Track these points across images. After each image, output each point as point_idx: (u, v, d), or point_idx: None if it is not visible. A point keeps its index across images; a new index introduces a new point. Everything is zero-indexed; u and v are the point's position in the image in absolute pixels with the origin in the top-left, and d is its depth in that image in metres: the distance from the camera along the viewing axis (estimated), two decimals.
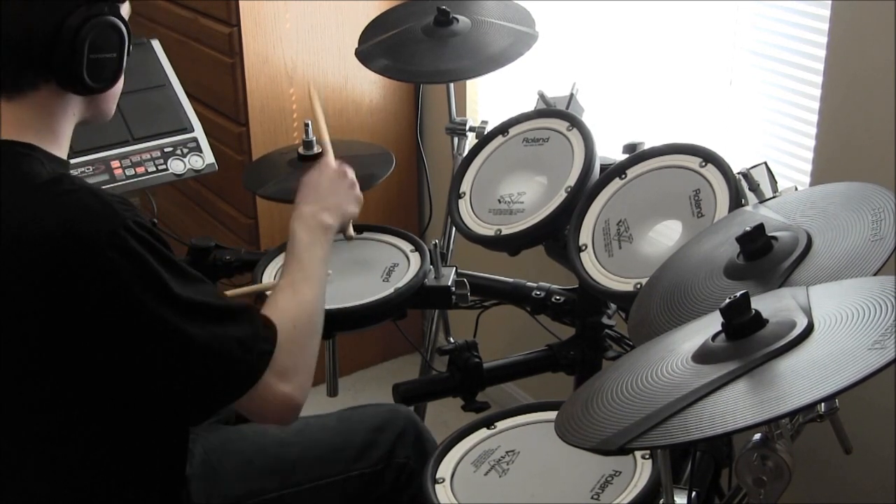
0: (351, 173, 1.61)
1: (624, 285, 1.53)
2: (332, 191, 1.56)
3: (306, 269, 1.43)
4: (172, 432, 1.31)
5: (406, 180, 2.86)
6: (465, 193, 1.81)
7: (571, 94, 1.88)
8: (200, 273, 1.27)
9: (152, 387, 1.21)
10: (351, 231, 1.62)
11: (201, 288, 1.23)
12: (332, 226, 1.52)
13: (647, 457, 1.31)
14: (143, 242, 1.16)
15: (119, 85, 1.32)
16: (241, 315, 1.26)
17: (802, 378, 0.91)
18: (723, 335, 1.03)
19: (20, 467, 1.24)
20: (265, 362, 1.25)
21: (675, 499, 1.16)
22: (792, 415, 1.01)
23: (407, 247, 1.79)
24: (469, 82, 2.60)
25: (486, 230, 1.74)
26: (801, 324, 0.98)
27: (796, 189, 1.47)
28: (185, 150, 1.95)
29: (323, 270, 1.45)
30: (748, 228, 1.22)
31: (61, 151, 1.27)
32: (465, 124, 2.18)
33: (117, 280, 1.14)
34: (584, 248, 1.62)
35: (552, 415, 1.42)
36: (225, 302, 1.25)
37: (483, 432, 1.44)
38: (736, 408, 0.91)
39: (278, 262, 1.78)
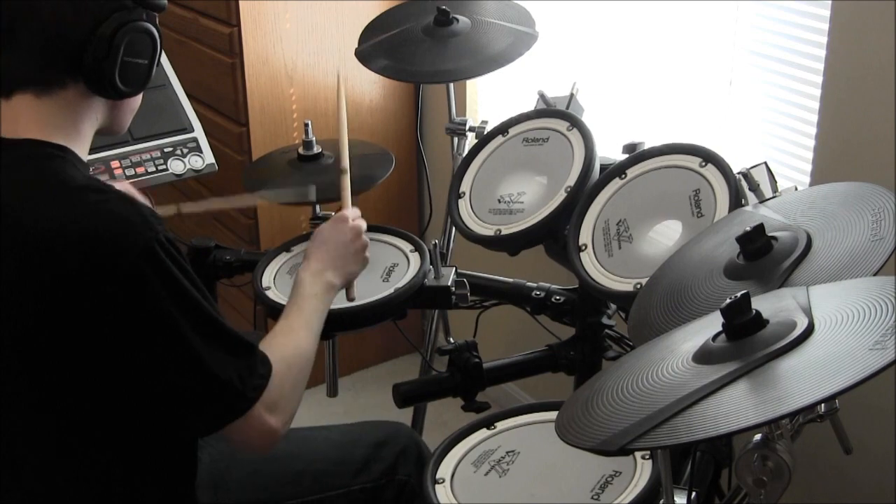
0: (365, 236, 1.62)
1: (624, 285, 1.53)
2: (344, 253, 1.57)
3: (306, 318, 1.46)
4: (176, 443, 1.33)
5: (406, 180, 2.86)
6: (464, 193, 1.81)
7: (571, 94, 1.88)
8: (200, 276, 1.28)
9: (153, 398, 1.23)
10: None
11: (217, 314, 1.26)
12: (337, 286, 1.55)
13: (647, 457, 1.31)
14: (172, 258, 1.18)
15: (138, 98, 1.34)
16: (247, 349, 1.29)
17: (803, 379, 0.91)
18: (723, 335, 1.03)
19: (27, 470, 1.24)
20: (257, 395, 1.28)
21: (675, 499, 1.16)
22: (793, 415, 1.01)
23: (407, 247, 1.79)
24: (469, 82, 2.60)
25: (486, 230, 1.74)
26: (802, 324, 0.98)
27: (796, 189, 1.47)
28: (185, 150, 1.95)
29: (320, 324, 1.49)
30: (748, 228, 1.22)
31: (84, 155, 1.28)
32: (465, 124, 2.18)
33: (145, 290, 1.16)
34: (583, 248, 1.62)
35: (552, 415, 1.42)
36: (235, 332, 1.27)
37: (483, 432, 1.44)
38: (737, 408, 0.91)
39: (278, 262, 1.78)
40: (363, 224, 1.63)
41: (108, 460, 1.26)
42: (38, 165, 1.21)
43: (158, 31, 1.28)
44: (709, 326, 1.08)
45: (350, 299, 1.63)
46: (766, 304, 1.04)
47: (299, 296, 1.49)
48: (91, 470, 1.25)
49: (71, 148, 1.24)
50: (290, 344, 1.40)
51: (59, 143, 1.23)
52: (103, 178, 1.86)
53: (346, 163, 1.72)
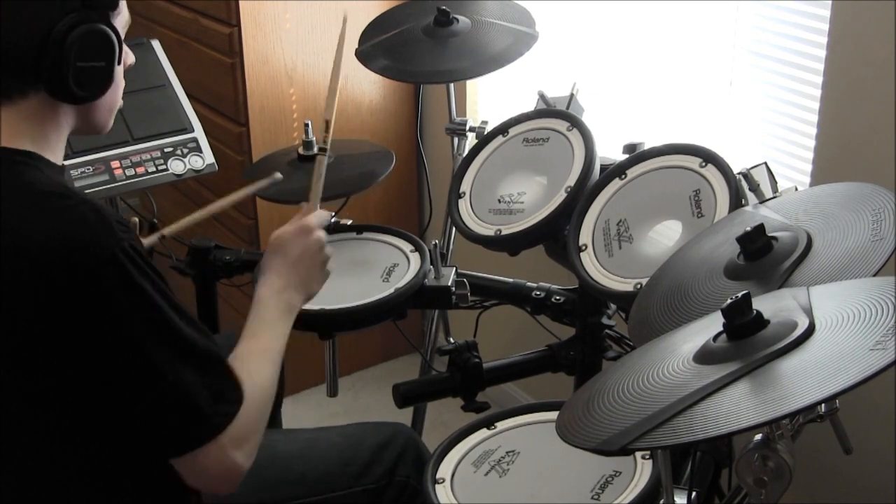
0: (328, 247, 1.48)
1: (624, 285, 1.53)
2: (305, 266, 1.44)
3: (267, 347, 1.35)
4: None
5: (406, 180, 2.86)
6: (465, 193, 1.81)
7: (571, 94, 1.88)
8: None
9: (118, 412, 1.18)
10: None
11: (189, 327, 1.19)
12: (297, 307, 1.43)
13: (648, 457, 1.31)
14: (138, 267, 1.14)
15: (114, 96, 1.29)
16: (219, 366, 1.22)
17: (804, 379, 0.91)
18: (724, 336, 1.03)
19: (10, 478, 1.22)
20: (225, 423, 1.20)
21: (675, 499, 1.16)
22: (793, 415, 1.01)
23: (407, 247, 1.79)
24: (469, 82, 2.60)
25: (486, 230, 1.74)
26: (803, 324, 0.98)
27: (796, 189, 1.47)
28: (185, 151, 1.95)
29: (282, 348, 1.37)
30: (748, 229, 1.22)
31: (56, 159, 1.25)
32: (465, 124, 2.18)
33: (105, 300, 1.12)
34: (584, 248, 1.62)
35: (552, 415, 1.42)
36: (207, 347, 1.20)
37: (483, 432, 1.44)
38: (737, 408, 0.91)
39: None
40: (324, 233, 1.48)
41: (86, 468, 1.22)
42: (5, 173, 1.17)
43: (114, 29, 1.23)
44: (709, 327, 1.08)
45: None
46: (767, 305, 1.04)
47: (261, 320, 1.38)
48: (73, 478, 1.22)
49: (40, 153, 1.21)
50: (264, 370, 1.31)
51: (26, 150, 1.19)
52: (102, 178, 1.86)
53: (331, 114, 1.58)
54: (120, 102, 1.32)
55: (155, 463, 1.23)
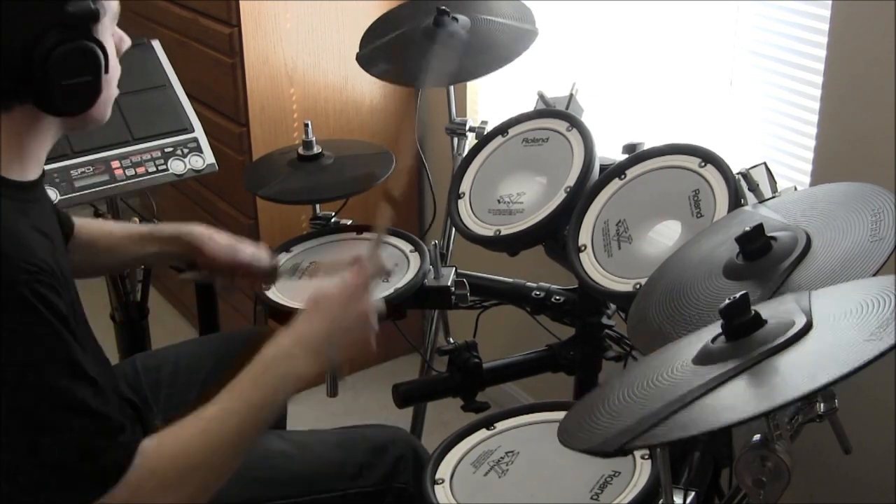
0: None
1: (623, 285, 1.53)
2: (342, 337, 1.31)
3: (253, 406, 1.24)
4: None
5: (406, 180, 2.86)
6: (464, 194, 1.81)
7: (571, 95, 1.88)
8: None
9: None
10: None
11: (83, 382, 1.12)
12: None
13: (647, 457, 1.31)
14: (31, 310, 1.09)
15: (108, 91, 1.27)
16: (105, 424, 1.14)
17: (798, 369, 0.92)
18: (722, 336, 1.03)
19: None
20: (111, 477, 1.13)
21: (675, 499, 1.16)
22: (789, 405, 1.01)
23: (407, 247, 1.79)
24: (469, 82, 2.60)
25: (486, 230, 1.74)
26: (800, 322, 0.98)
27: (796, 189, 1.47)
28: (185, 151, 1.95)
29: (266, 422, 1.25)
30: (747, 229, 1.22)
31: (25, 174, 1.23)
32: (464, 124, 2.18)
33: None
34: (583, 248, 1.62)
35: (552, 415, 1.43)
36: (98, 408, 1.13)
37: (483, 433, 1.44)
38: (734, 403, 0.92)
39: (279, 261, 1.78)
40: (373, 308, 1.33)
41: None
42: None
43: (97, 42, 1.21)
44: (713, 334, 1.08)
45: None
46: (766, 307, 1.04)
47: (246, 378, 1.24)
48: None
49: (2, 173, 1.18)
50: (202, 444, 1.19)
51: None
52: (103, 178, 1.86)
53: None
54: (116, 91, 1.30)
55: None
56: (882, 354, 0.85)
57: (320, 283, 1.31)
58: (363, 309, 1.33)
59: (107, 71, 1.24)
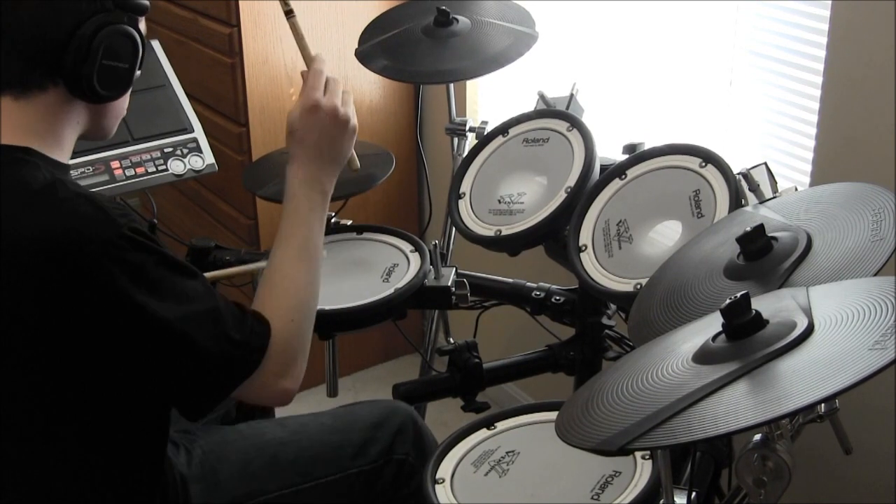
0: (353, 116, 1.45)
1: (624, 286, 1.53)
2: (327, 143, 1.43)
3: (303, 245, 1.39)
4: (157, 426, 1.32)
5: (406, 180, 2.86)
6: (464, 194, 1.81)
7: (571, 95, 1.88)
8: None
9: (145, 386, 1.24)
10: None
11: (201, 286, 1.25)
12: (331, 187, 1.45)
13: (647, 457, 1.31)
14: (139, 248, 1.17)
15: (124, 103, 1.32)
16: (233, 315, 1.26)
17: (803, 378, 0.91)
18: (723, 336, 1.03)
19: (9, 462, 1.24)
20: (257, 359, 1.27)
21: (675, 499, 1.16)
22: (792, 415, 1.01)
23: (407, 247, 1.79)
24: (469, 82, 2.60)
25: (486, 230, 1.74)
26: (802, 324, 0.98)
27: (796, 189, 1.47)
28: (185, 151, 1.95)
29: (320, 243, 1.40)
30: (748, 229, 1.22)
31: (63, 157, 1.27)
32: (465, 124, 2.18)
33: (113, 287, 1.15)
34: (583, 248, 1.62)
35: (552, 415, 1.42)
36: (215, 302, 1.25)
37: (483, 433, 1.44)
38: (736, 408, 0.91)
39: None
40: (338, 98, 1.43)
41: (83, 444, 1.25)
42: (3, 171, 1.19)
43: (140, 35, 1.27)
44: (709, 327, 1.08)
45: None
46: (766, 305, 1.04)
47: (294, 215, 1.39)
48: (66, 457, 1.24)
49: (42, 150, 1.22)
50: (289, 289, 1.35)
51: (25, 146, 1.21)
52: (102, 178, 1.85)
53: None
54: (125, 111, 1.35)
55: (135, 451, 1.29)
56: (887, 366, 0.86)
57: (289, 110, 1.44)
58: (325, 110, 1.42)
59: (140, 66, 1.28)
